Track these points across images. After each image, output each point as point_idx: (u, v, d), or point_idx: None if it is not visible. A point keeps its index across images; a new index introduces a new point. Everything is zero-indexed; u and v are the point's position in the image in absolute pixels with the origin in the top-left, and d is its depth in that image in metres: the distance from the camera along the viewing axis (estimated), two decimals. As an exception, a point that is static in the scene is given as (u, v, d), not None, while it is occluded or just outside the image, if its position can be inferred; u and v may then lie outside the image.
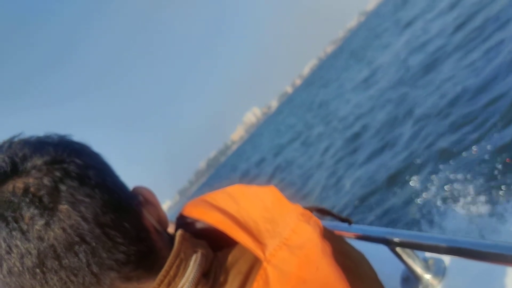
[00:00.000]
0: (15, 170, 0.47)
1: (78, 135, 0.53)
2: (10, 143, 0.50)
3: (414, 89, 7.77)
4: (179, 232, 0.52)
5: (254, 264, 0.51)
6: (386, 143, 6.72)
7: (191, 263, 0.50)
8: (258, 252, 0.52)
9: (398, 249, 1.03)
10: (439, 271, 1.05)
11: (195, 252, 0.51)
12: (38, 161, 0.47)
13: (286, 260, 0.50)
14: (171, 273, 0.49)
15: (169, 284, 0.48)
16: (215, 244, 0.56)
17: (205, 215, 0.57)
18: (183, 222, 0.60)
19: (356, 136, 8.71)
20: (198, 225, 0.59)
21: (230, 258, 0.53)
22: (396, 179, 5.24)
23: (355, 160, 7.45)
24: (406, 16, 18.26)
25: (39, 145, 0.49)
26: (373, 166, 6.31)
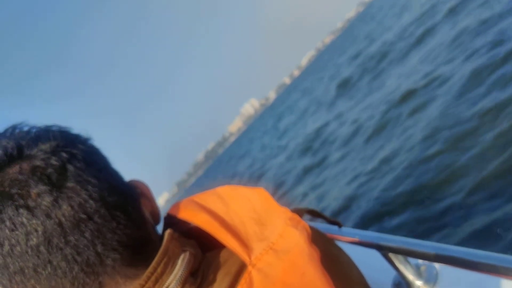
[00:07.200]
0: (20, 154, 0.47)
1: (76, 129, 0.56)
2: (14, 128, 0.50)
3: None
4: (168, 231, 0.52)
5: (243, 266, 0.50)
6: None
7: (179, 261, 0.49)
8: (243, 255, 0.50)
9: (390, 255, 1.01)
10: (431, 278, 1.04)
11: (184, 251, 0.51)
12: (43, 146, 0.47)
13: (272, 265, 0.49)
14: (159, 270, 0.48)
15: (156, 281, 0.47)
16: (205, 244, 0.55)
17: (192, 217, 0.55)
18: (171, 221, 0.59)
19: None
20: (188, 225, 0.59)
21: (219, 258, 0.52)
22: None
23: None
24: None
25: (43, 132, 0.49)
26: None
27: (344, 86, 14.20)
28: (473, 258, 0.76)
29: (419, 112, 6.10)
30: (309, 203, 6.60)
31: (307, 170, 8.83)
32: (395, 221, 4.11)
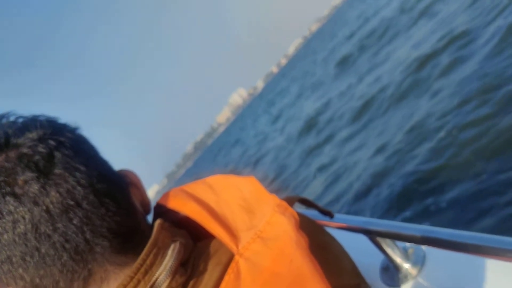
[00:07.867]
0: (7, 142, 0.46)
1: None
2: (0, 118, 0.49)
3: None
4: (158, 221, 0.51)
5: (233, 255, 0.49)
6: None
7: (169, 252, 0.48)
8: (231, 245, 0.50)
9: (378, 239, 1.01)
10: (418, 260, 1.04)
11: (174, 241, 0.50)
12: (30, 134, 0.47)
13: (259, 253, 0.49)
14: (148, 261, 0.47)
15: (146, 272, 0.46)
16: (196, 234, 0.54)
17: (182, 206, 0.55)
18: (161, 211, 0.58)
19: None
20: (179, 214, 0.56)
21: (210, 248, 0.51)
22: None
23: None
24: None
25: (30, 121, 0.49)
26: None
27: (344, 64, 13.43)
28: (459, 239, 0.77)
29: (445, 76, 5.31)
30: (323, 182, 5.80)
31: (311, 150, 8.05)
32: (443, 201, 3.30)
